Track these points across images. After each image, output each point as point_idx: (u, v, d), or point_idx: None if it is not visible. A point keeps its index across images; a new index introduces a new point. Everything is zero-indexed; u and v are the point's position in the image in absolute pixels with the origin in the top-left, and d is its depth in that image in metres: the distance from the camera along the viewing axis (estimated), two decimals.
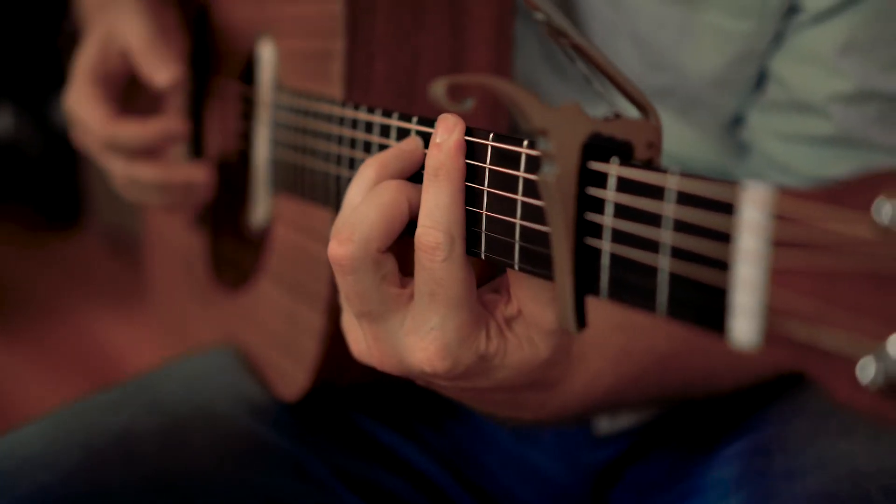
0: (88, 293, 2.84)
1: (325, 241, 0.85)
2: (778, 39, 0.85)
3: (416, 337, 0.64)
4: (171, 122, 1.02)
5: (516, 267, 0.60)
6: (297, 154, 0.88)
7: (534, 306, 0.64)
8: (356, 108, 0.75)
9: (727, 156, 0.93)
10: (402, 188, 0.65)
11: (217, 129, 1.10)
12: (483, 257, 0.63)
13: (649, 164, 0.53)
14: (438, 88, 0.56)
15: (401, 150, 0.68)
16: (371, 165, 0.67)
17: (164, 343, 1.33)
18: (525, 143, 0.60)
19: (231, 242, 1.10)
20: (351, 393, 0.92)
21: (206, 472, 0.88)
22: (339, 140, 0.78)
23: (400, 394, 0.96)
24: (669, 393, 0.85)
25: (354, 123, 0.76)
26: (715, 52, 0.86)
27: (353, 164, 0.76)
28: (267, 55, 0.98)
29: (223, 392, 0.96)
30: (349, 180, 0.76)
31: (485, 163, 0.62)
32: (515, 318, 0.65)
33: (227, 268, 1.11)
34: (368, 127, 0.74)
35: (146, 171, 1.03)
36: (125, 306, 2.72)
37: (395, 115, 0.71)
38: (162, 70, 1.00)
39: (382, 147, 0.72)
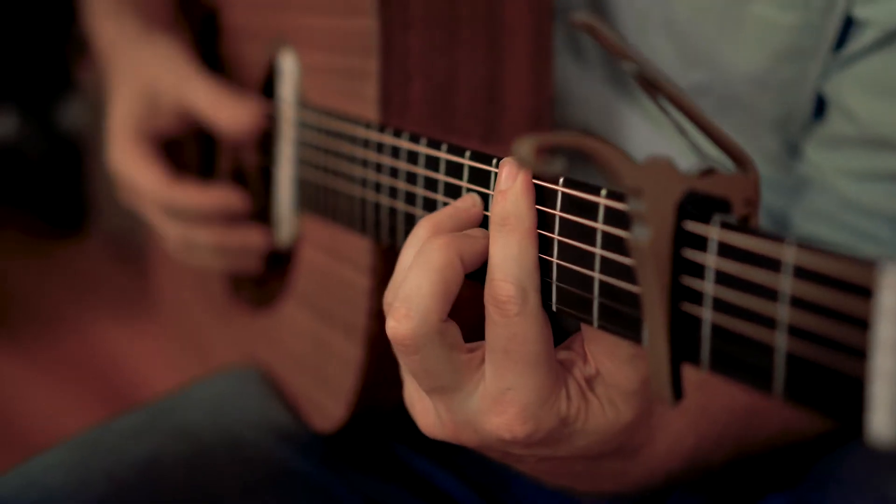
0: (93, 302, 2.82)
1: (357, 268, 0.84)
2: (826, 61, 0.80)
3: (492, 401, 0.60)
4: (231, 195, 0.99)
5: (595, 324, 0.57)
6: (327, 176, 0.85)
7: (612, 365, 0.60)
8: (397, 134, 0.72)
9: (765, 162, 0.88)
10: (451, 245, 0.61)
11: (231, 143, 1.08)
12: (555, 310, 0.59)
13: (759, 231, 0.48)
14: (524, 149, 0.53)
15: (456, 210, 0.64)
16: (424, 226, 0.63)
17: (175, 356, 1.30)
18: (604, 192, 0.56)
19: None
20: (385, 421, 0.90)
21: (235, 503, 0.85)
22: (378, 168, 0.75)
23: None
24: (748, 451, 0.81)
25: (395, 151, 0.73)
26: (757, 46, 0.81)
27: (395, 194, 0.73)
28: (289, 68, 0.95)
29: (249, 417, 0.93)
30: (391, 210, 0.74)
31: (555, 209, 0.59)
32: (595, 378, 0.61)
33: (246, 285, 1.08)
34: (412, 157, 0.71)
35: (203, 236, 1.00)
36: (132, 316, 2.69)
37: (444, 146, 0.68)
38: (239, 120, 0.96)
39: (429, 181, 0.69)
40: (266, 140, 1.02)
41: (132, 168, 1.00)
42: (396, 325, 0.61)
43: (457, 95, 0.82)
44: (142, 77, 1.02)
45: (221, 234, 0.99)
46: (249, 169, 1.06)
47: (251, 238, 0.99)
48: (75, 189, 3.16)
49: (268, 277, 1.03)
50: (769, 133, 0.85)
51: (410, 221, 0.72)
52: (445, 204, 0.68)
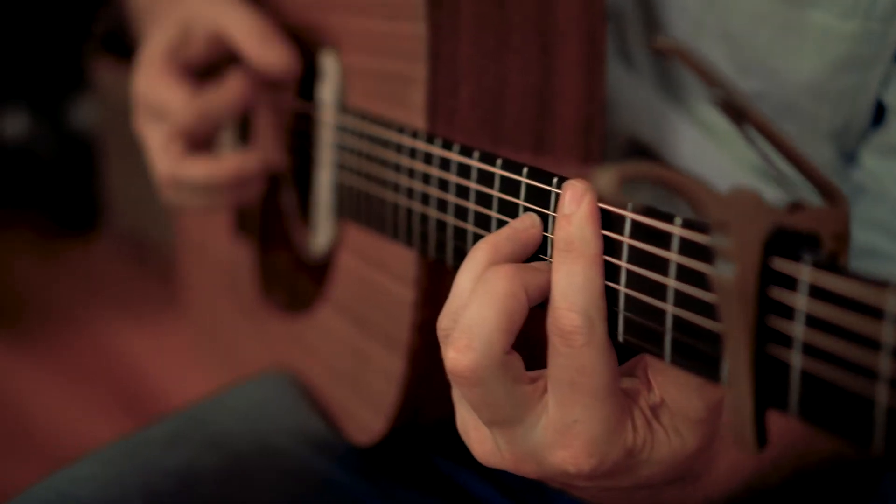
0: (107, 303, 2.79)
1: (400, 279, 0.81)
2: (887, 70, 0.78)
3: (557, 434, 0.58)
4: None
5: (667, 359, 0.54)
6: (369, 183, 0.83)
7: (678, 394, 0.58)
8: (447, 146, 0.70)
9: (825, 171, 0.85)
10: (517, 275, 0.58)
11: (267, 145, 1.06)
12: (621, 341, 0.57)
13: (855, 273, 0.45)
14: (606, 179, 0.51)
15: (514, 231, 0.62)
16: (482, 249, 0.61)
17: (200, 359, 1.28)
18: (678, 221, 0.53)
19: (284, 262, 1.05)
20: (426, 434, 0.88)
21: None
22: (425, 178, 0.73)
23: None
24: (808, 469, 0.79)
25: (445, 163, 0.71)
26: (816, 55, 0.79)
27: (444, 207, 0.71)
28: (330, 71, 0.93)
29: (283, 425, 0.91)
30: (439, 223, 0.72)
31: (622, 235, 0.56)
32: (660, 407, 0.59)
33: (279, 288, 1.06)
34: (463, 169, 0.68)
35: (196, 169, 0.97)
36: (146, 318, 2.67)
37: (499, 161, 0.65)
38: (277, 55, 0.94)
39: (481, 195, 0.66)
40: (302, 142, 1.00)
41: (158, 86, 0.97)
42: (458, 357, 0.58)
43: (506, 103, 0.79)
44: (180, 9, 0.99)
45: (214, 166, 0.97)
46: (285, 170, 1.04)
47: (245, 163, 0.97)
48: (87, 188, 3.14)
49: (302, 281, 1.01)
50: (825, 142, 0.83)
51: (461, 236, 0.70)
52: (500, 221, 0.65)
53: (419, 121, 0.78)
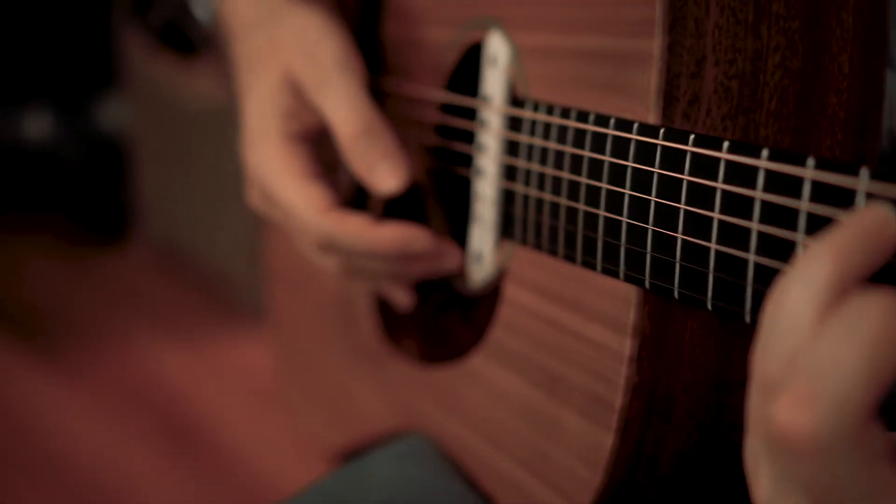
0: (137, 316, 2.61)
1: (609, 324, 0.62)
2: None
3: None
4: (410, 234, 0.75)
5: None
6: (556, 196, 0.65)
7: None
8: (699, 141, 0.53)
9: None
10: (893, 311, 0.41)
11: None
12: None
13: None
14: None
15: (863, 231, 0.43)
16: (824, 260, 0.43)
17: (287, 393, 1.09)
18: None
19: (419, 294, 0.84)
20: None
21: None
22: (656, 186, 0.54)
23: None
24: None
25: (682, 164, 0.53)
26: None
27: (700, 226, 0.54)
28: (500, 54, 0.73)
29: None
30: (687, 245, 0.54)
31: None
32: None
33: (408, 325, 0.86)
34: (706, 167, 0.51)
35: (376, 264, 0.77)
36: (184, 335, 2.49)
37: (765, 152, 0.49)
38: (385, 175, 0.74)
39: (736, 200, 0.49)
40: (448, 144, 0.80)
41: (280, 183, 0.76)
42: (797, 413, 0.41)
43: (761, 90, 0.60)
44: (281, 62, 0.79)
45: (400, 265, 0.76)
46: (423, 180, 0.83)
47: (441, 263, 0.76)
48: (116, 192, 2.98)
49: (446, 321, 0.81)
50: None
51: (730, 265, 0.52)
52: (779, 243, 0.49)
53: (647, 110, 0.60)
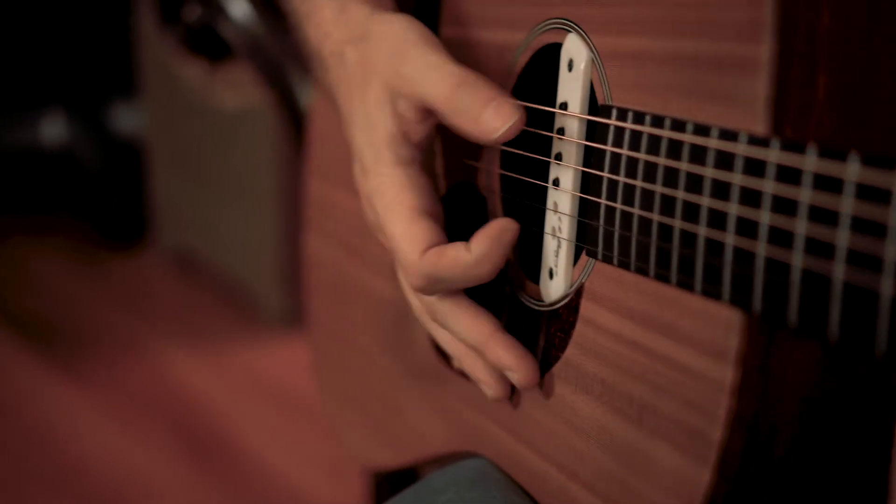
0: (154, 322, 2.59)
1: (707, 351, 0.57)
2: None
3: None
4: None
5: None
6: (644, 209, 0.60)
7: None
8: (829, 153, 0.48)
9: None
10: None
11: (456, 164, 0.82)
12: None
13: None
14: None
15: None
16: None
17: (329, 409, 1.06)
18: None
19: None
20: None
21: None
22: (753, 198, 0.51)
23: None
24: None
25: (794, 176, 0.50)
26: None
27: (787, 240, 0.50)
28: (578, 59, 0.69)
29: None
30: (774, 264, 0.51)
31: None
32: None
33: None
34: (827, 183, 0.47)
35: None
36: (197, 339, 2.47)
37: None
38: (493, 118, 0.69)
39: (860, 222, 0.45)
40: (516, 152, 0.76)
41: (390, 218, 0.72)
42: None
43: (875, 100, 0.56)
44: (377, 75, 0.75)
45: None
46: (492, 192, 0.79)
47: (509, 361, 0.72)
48: (134, 198, 2.96)
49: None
50: None
51: (858, 295, 0.47)
52: None
53: (755, 119, 0.55)
